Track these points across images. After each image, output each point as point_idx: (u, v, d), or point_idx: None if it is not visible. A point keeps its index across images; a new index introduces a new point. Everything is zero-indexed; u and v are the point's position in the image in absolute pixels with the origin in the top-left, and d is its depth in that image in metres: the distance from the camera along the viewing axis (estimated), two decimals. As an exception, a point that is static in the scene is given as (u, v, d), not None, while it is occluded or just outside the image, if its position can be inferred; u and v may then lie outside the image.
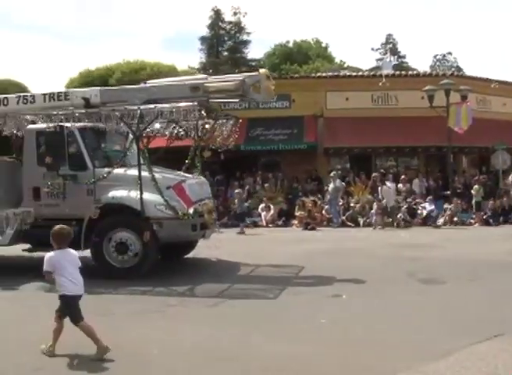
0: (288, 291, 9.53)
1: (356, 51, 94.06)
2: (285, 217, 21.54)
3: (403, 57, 57.86)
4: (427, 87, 22.29)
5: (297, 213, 20.79)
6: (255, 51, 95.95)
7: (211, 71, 43.10)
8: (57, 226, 6.66)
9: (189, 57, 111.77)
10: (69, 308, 6.33)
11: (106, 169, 11.16)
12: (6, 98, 11.79)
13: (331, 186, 21.00)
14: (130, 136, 11.84)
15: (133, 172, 10.99)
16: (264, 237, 17.19)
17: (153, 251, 11.00)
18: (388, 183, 22.55)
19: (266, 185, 23.35)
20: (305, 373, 5.76)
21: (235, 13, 48.12)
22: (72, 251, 6.61)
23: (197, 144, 12.31)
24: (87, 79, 30.77)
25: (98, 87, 11.83)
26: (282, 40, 49.29)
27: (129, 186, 10.91)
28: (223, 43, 48.80)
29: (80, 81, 30.95)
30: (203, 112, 10.81)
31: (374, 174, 23.21)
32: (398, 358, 5.98)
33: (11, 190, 11.76)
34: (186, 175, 12.07)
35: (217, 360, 6.05)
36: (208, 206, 11.62)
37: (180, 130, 11.84)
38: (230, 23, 48.20)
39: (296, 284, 10.19)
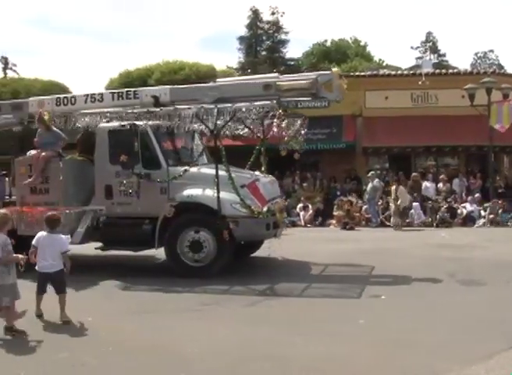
0: (366, 291, 9.61)
1: (395, 50, 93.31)
2: (321, 217, 21.50)
3: (444, 55, 57.31)
4: (468, 86, 22.09)
5: (336, 213, 20.84)
6: (293, 50, 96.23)
7: (249, 71, 43.32)
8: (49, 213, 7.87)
9: (227, 57, 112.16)
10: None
11: (181, 168, 11.27)
12: (74, 97, 12.06)
13: (369, 185, 20.94)
14: (196, 134, 12.20)
15: (207, 170, 11.18)
16: (303, 236, 17.23)
17: (228, 250, 11.01)
18: (427, 183, 22.42)
19: (305, 185, 23.48)
20: (344, 374, 5.78)
21: (273, 13, 48.44)
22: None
23: (261, 143, 12.43)
24: (127, 79, 31.19)
25: (168, 86, 11.94)
26: (320, 39, 49.35)
27: (203, 184, 10.99)
28: (261, 42, 49.04)
29: (119, 82, 31.41)
30: (280, 111, 10.87)
31: (414, 174, 23.05)
32: (438, 360, 6.04)
33: (80, 188, 11.88)
34: (258, 174, 12.13)
35: (258, 359, 6.15)
36: (279, 205, 11.75)
37: (245, 128, 12.13)
38: (268, 22, 48.47)
39: (374, 283, 10.30)
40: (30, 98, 12.91)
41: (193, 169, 11.28)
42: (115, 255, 12.41)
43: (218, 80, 12.56)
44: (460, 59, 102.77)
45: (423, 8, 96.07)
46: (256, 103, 10.76)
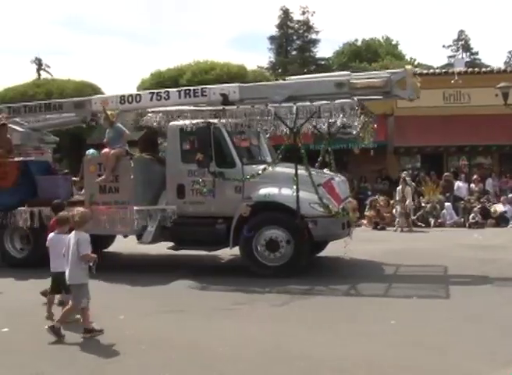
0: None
1: (427, 49, 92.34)
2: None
3: (476, 54, 56.71)
4: (501, 84, 21.80)
5: (367, 213, 20.66)
6: (324, 50, 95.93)
7: (280, 70, 43.33)
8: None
9: (258, 57, 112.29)
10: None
11: (256, 167, 11.27)
12: (139, 94, 12.22)
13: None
14: (261, 133, 12.22)
15: (282, 169, 11.18)
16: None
17: (306, 250, 10.98)
18: (460, 183, 22.19)
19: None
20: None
21: (303, 12, 48.74)
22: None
23: (328, 141, 12.46)
24: (159, 79, 31.36)
25: (237, 84, 11.96)
26: (351, 38, 49.19)
27: (278, 183, 10.94)
28: (292, 42, 49.31)
29: (151, 82, 31.62)
30: (361, 109, 10.85)
31: (446, 174, 22.84)
32: (470, 362, 5.96)
33: (149, 187, 11.85)
34: (331, 173, 12.10)
35: (292, 359, 6.14)
36: (352, 204, 11.80)
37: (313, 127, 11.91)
38: (299, 22, 48.74)
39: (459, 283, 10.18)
40: (94, 96, 13.15)
41: (268, 168, 11.20)
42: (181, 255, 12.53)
43: (287, 78, 12.62)
44: (494, 58, 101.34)
45: (455, 7, 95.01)
46: (336, 101, 10.71)
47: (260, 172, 10.97)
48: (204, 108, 11.43)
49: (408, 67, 11.04)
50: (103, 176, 11.48)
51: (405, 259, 12.39)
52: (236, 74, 29.27)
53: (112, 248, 14.04)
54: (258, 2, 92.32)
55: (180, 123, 11.54)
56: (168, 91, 11.89)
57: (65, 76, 37.83)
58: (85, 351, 6.67)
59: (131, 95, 12.16)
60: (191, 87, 11.88)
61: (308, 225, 10.56)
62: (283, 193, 10.81)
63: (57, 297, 8.17)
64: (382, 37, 46.57)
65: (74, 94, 20.49)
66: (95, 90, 33.82)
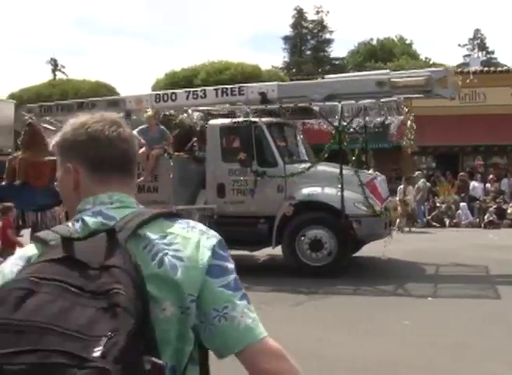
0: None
1: (442, 48, 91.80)
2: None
3: (492, 53, 56.27)
4: (517, 84, 21.52)
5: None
6: (338, 49, 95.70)
7: (294, 70, 43.24)
8: None
9: (272, 57, 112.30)
10: None
11: (298, 165, 11.20)
12: (174, 93, 12.05)
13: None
14: (297, 131, 12.13)
15: (325, 168, 11.14)
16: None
17: (349, 250, 10.96)
18: (475, 183, 22.03)
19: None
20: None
21: (317, 12, 48.66)
22: None
23: (364, 140, 12.50)
24: (173, 80, 31.41)
25: (276, 82, 12.05)
26: (366, 38, 49.00)
27: (320, 182, 10.87)
28: (306, 42, 49.28)
29: (165, 82, 31.67)
30: (405, 108, 10.89)
31: (461, 174, 22.67)
32: (484, 364, 5.87)
33: (187, 186, 11.78)
34: (374, 172, 12.04)
35: (306, 358, 6.11)
36: (393, 203, 11.63)
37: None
38: (313, 21, 48.67)
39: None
40: (128, 95, 13.05)
41: (305, 167, 11.13)
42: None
43: (326, 76, 12.54)
44: (510, 57, 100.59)
45: (470, 5, 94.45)
46: (382, 100, 10.75)
47: (304, 170, 10.89)
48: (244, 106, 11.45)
49: (449, 65, 10.97)
50: (142, 178, 11.29)
51: (425, 259, 12.23)
52: (250, 74, 29.28)
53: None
54: (272, 2, 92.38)
55: (220, 121, 11.52)
56: (204, 90, 11.83)
57: (80, 76, 38.05)
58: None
59: (166, 94, 12.10)
60: (228, 86, 11.81)
61: (353, 225, 10.49)
62: (327, 192, 10.76)
63: None
64: (396, 37, 46.43)
65: (89, 95, 20.59)
66: (110, 90, 34.01)
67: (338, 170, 10.71)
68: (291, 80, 27.35)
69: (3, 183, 12.16)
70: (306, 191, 10.85)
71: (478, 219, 20.32)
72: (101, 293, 1.26)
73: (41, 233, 1.54)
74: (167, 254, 1.47)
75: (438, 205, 21.22)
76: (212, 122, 11.56)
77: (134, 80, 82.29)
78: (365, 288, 9.72)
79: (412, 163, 25.27)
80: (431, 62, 37.69)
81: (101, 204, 1.59)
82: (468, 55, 51.68)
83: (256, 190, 11.05)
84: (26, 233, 12.69)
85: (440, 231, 19.01)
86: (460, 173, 22.99)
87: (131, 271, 1.33)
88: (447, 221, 20.40)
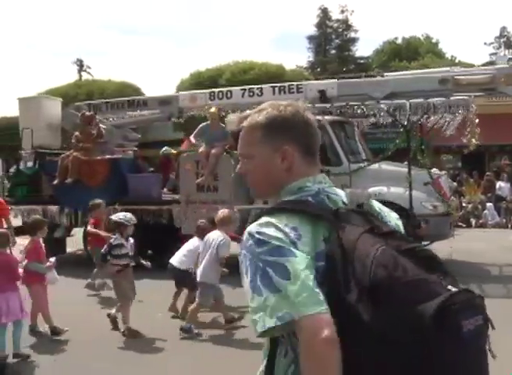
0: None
1: (468, 46, 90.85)
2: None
3: (519, 50, 55.49)
4: (544, 82, 21.08)
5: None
6: (363, 48, 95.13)
7: (318, 70, 43.06)
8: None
9: (297, 56, 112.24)
10: None
11: (363, 165, 11.06)
12: (230, 91, 11.95)
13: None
14: (356, 130, 12.03)
15: (388, 167, 11.00)
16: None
17: None
18: (502, 183, 21.74)
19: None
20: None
21: (342, 11, 48.51)
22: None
23: (421, 139, 12.15)
24: (198, 80, 31.44)
25: (335, 80, 11.80)
26: (390, 36, 48.61)
27: (385, 181, 10.65)
28: (331, 41, 49.16)
29: (190, 82, 31.71)
30: (474, 106, 10.62)
31: (487, 173, 22.39)
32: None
33: (246, 185, 11.54)
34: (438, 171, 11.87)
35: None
36: (456, 203, 11.48)
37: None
38: (338, 21, 48.53)
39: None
40: (181, 93, 13.00)
41: (375, 166, 11.02)
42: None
43: (386, 74, 12.46)
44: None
45: (496, 3, 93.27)
46: (452, 99, 10.48)
47: (366, 166, 10.81)
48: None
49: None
50: (203, 177, 11.13)
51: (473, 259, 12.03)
52: (274, 74, 29.22)
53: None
54: (297, 2, 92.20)
55: None
56: (261, 87, 11.71)
57: (105, 76, 38.26)
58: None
59: (221, 91, 11.98)
60: (286, 84, 11.73)
61: (421, 224, 10.25)
62: (393, 191, 10.54)
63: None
64: (422, 35, 46.01)
65: (115, 95, 20.63)
66: (135, 90, 34.11)
67: (403, 169, 10.54)
68: (316, 79, 27.24)
69: (55, 181, 12.06)
70: (372, 190, 10.53)
71: (504, 220, 20.02)
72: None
73: (310, 208, 1.71)
74: (390, 221, 1.92)
75: (464, 205, 20.96)
76: None
77: (159, 81, 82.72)
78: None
79: (438, 162, 25.01)
80: (456, 61, 37.27)
81: (319, 183, 1.84)
82: (495, 54, 51.03)
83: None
84: (77, 232, 12.84)
85: (466, 231, 18.74)
86: (487, 173, 22.71)
87: None
88: (473, 221, 20.14)
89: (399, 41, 45.10)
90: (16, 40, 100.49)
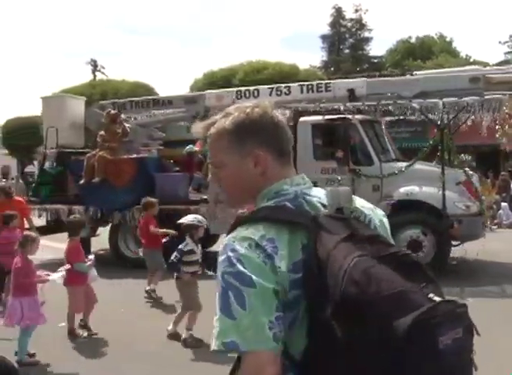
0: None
1: (482, 45, 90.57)
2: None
3: (534, 49, 55.30)
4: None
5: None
6: (377, 48, 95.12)
7: (332, 69, 43.19)
8: None
9: (310, 56, 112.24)
10: None
11: (398, 164, 10.94)
12: (257, 89, 11.93)
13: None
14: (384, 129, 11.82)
15: (419, 166, 10.80)
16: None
17: (448, 251, 10.59)
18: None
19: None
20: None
21: (356, 10, 48.59)
22: None
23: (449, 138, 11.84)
24: (211, 79, 31.66)
25: (364, 78, 11.73)
26: (404, 36, 48.64)
27: (417, 181, 10.49)
28: (344, 41, 49.23)
29: (203, 82, 31.93)
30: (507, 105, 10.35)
31: (502, 173, 22.47)
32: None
33: None
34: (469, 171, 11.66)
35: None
36: (488, 203, 11.39)
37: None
38: (351, 20, 48.58)
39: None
40: (207, 91, 12.82)
41: (403, 165, 10.82)
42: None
43: (416, 72, 12.34)
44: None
45: (511, 1, 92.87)
46: (487, 97, 10.29)
47: (403, 169, 10.53)
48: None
49: None
50: None
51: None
52: (288, 73, 29.39)
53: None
54: (310, 1, 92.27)
55: (312, 118, 11.09)
56: (289, 86, 11.64)
57: (119, 76, 38.52)
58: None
59: (248, 90, 11.91)
60: (314, 82, 11.69)
61: (453, 224, 10.11)
62: (426, 191, 10.40)
63: None
64: (436, 34, 46.01)
65: (128, 95, 20.81)
66: (149, 90, 34.37)
67: (434, 168, 10.45)
68: (329, 79, 27.36)
69: (81, 181, 11.98)
70: (404, 189, 10.44)
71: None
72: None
73: (288, 215, 1.65)
74: (374, 220, 1.86)
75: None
76: (304, 119, 11.08)
77: (173, 80, 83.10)
78: (470, 289, 9.24)
79: (453, 162, 25.02)
80: (471, 60, 37.35)
81: (297, 185, 1.76)
82: (509, 52, 50.99)
83: (354, 189, 10.21)
84: (103, 231, 12.72)
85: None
86: (502, 173, 22.74)
87: None
88: (488, 221, 20.18)
89: (412, 40, 45.17)
90: (30, 41, 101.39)
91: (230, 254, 1.57)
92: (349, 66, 41.32)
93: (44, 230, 11.73)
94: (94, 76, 50.63)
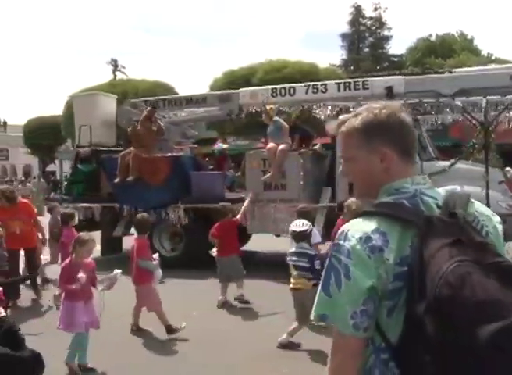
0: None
1: (504, 43, 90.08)
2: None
3: (555, 47, 55.02)
4: None
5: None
6: (396, 46, 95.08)
7: (352, 68, 43.21)
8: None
9: (330, 54, 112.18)
10: None
11: (441, 163, 10.84)
12: (292, 87, 11.86)
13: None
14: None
15: (460, 165, 10.67)
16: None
17: None
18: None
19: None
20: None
21: (375, 9, 48.58)
22: None
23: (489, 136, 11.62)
24: (231, 78, 31.72)
25: (402, 76, 11.72)
26: (424, 34, 48.54)
27: (458, 180, 10.13)
28: (364, 39, 49.16)
29: (223, 81, 31.98)
30: None
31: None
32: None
33: (313, 183, 11.23)
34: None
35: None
36: None
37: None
38: (371, 18, 48.61)
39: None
40: (241, 89, 12.81)
41: (444, 164, 10.71)
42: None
43: (455, 70, 12.33)
44: None
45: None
46: None
47: (446, 168, 10.42)
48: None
49: None
50: (269, 174, 10.82)
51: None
52: (307, 72, 29.43)
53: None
54: (330, 0, 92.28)
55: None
56: (325, 84, 11.64)
57: (139, 76, 38.74)
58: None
59: (284, 88, 11.89)
60: (351, 80, 11.69)
61: None
62: (468, 190, 9.90)
63: None
64: (457, 32, 45.85)
65: (148, 94, 20.88)
66: (168, 90, 34.48)
67: (476, 167, 10.33)
68: (349, 77, 27.44)
69: (116, 180, 11.98)
70: (444, 189, 10.29)
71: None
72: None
73: (403, 213, 1.76)
74: (487, 226, 1.94)
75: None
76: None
77: (192, 80, 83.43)
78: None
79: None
80: (493, 58, 37.25)
81: (417, 184, 1.91)
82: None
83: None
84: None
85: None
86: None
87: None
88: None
89: (432, 38, 45.06)
90: (51, 42, 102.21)
91: (342, 241, 1.74)
92: (369, 65, 41.28)
93: (76, 229, 11.63)
94: (115, 75, 50.97)
